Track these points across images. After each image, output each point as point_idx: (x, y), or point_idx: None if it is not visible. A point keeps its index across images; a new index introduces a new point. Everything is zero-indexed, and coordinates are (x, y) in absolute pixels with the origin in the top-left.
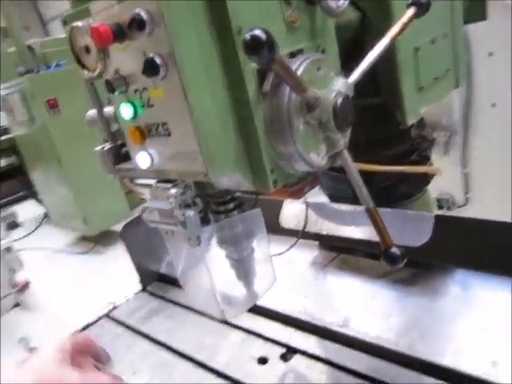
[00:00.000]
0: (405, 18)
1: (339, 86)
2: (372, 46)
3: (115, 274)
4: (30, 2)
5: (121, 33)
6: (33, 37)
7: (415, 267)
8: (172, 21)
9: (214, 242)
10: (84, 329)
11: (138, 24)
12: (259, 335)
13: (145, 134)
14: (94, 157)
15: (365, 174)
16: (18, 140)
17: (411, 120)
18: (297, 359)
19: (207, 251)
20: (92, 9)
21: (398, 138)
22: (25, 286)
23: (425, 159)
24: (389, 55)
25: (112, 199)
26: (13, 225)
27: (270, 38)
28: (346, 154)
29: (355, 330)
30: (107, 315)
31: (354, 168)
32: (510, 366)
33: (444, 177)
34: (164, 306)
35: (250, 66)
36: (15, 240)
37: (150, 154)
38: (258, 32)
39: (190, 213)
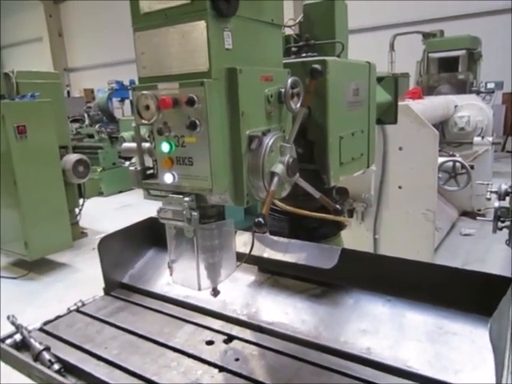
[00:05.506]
0: (310, 88)
1: (289, 152)
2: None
3: (46, 301)
4: None
5: (177, 103)
6: None
7: (325, 286)
8: (209, 103)
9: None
10: (55, 319)
11: (191, 102)
12: (208, 327)
13: (174, 162)
14: (49, 185)
15: (300, 217)
16: None
17: (333, 183)
18: (235, 343)
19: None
20: (160, 86)
21: (324, 194)
22: None
23: (341, 212)
24: (323, 139)
25: (57, 228)
26: None
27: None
28: (301, 180)
29: (281, 327)
30: (77, 310)
31: (304, 182)
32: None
33: (359, 240)
34: (127, 305)
35: (244, 133)
36: None
37: (174, 175)
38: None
39: (195, 213)
